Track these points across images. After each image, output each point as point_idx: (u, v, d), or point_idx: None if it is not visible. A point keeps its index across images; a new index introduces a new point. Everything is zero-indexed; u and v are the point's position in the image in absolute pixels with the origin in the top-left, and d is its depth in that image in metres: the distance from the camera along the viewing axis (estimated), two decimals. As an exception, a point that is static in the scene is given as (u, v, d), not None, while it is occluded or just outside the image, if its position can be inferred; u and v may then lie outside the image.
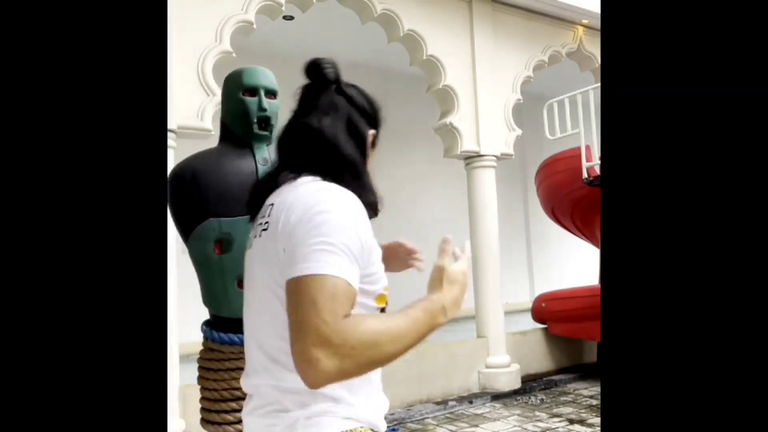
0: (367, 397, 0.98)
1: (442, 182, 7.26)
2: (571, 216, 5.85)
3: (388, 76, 7.12)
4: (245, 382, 1.03)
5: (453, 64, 5.14)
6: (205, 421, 1.66)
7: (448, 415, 4.53)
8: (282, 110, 1.63)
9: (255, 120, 1.65)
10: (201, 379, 1.67)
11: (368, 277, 0.94)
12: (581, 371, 5.64)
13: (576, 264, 8.42)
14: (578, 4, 5.70)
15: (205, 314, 1.73)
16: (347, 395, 0.93)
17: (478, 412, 4.60)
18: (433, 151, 5.70)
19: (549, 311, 5.91)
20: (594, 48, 6.05)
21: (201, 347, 1.70)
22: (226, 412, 1.60)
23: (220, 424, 1.60)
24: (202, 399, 1.67)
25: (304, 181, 0.98)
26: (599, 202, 3.94)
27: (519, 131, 5.53)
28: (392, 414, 4.46)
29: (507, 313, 5.52)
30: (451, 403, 4.74)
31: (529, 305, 6.40)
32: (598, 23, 5.81)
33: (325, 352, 0.80)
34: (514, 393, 5.03)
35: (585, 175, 5.02)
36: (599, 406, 4.44)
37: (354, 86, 1.08)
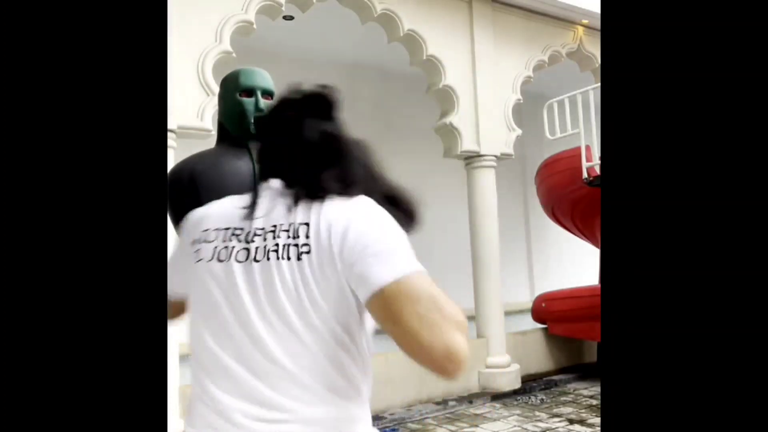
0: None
1: (442, 182, 7.25)
2: (571, 216, 5.85)
3: (388, 76, 7.12)
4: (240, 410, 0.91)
5: (453, 64, 5.14)
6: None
7: (448, 415, 4.53)
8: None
9: (252, 120, 1.65)
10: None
11: None
12: (581, 371, 5.64)
13: (576, 264, 8.41)
14: (578, 4, 5.71)
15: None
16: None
17: (478, 412, 4.60)
18: (433, 151, 5.69)
19: (549, 311, 5.91)
20: (594, 48, 6.05)
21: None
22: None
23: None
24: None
25: (334, 199, 0.94)
26: (599, 202, 3.93)
27: (519, 131, 5.53)
28: (392, 414, 4.46)
29: (507, 313, 5.52)
30: (451, 403, 4.74)
31: (529, 305, 6.41)
32: (598, 23, 5.81)
33: (463, 335, 0.82)
34: (514, 393, 5.03)
35: (585, 175, 5.03)
36: (599, 406, 4.44)
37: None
